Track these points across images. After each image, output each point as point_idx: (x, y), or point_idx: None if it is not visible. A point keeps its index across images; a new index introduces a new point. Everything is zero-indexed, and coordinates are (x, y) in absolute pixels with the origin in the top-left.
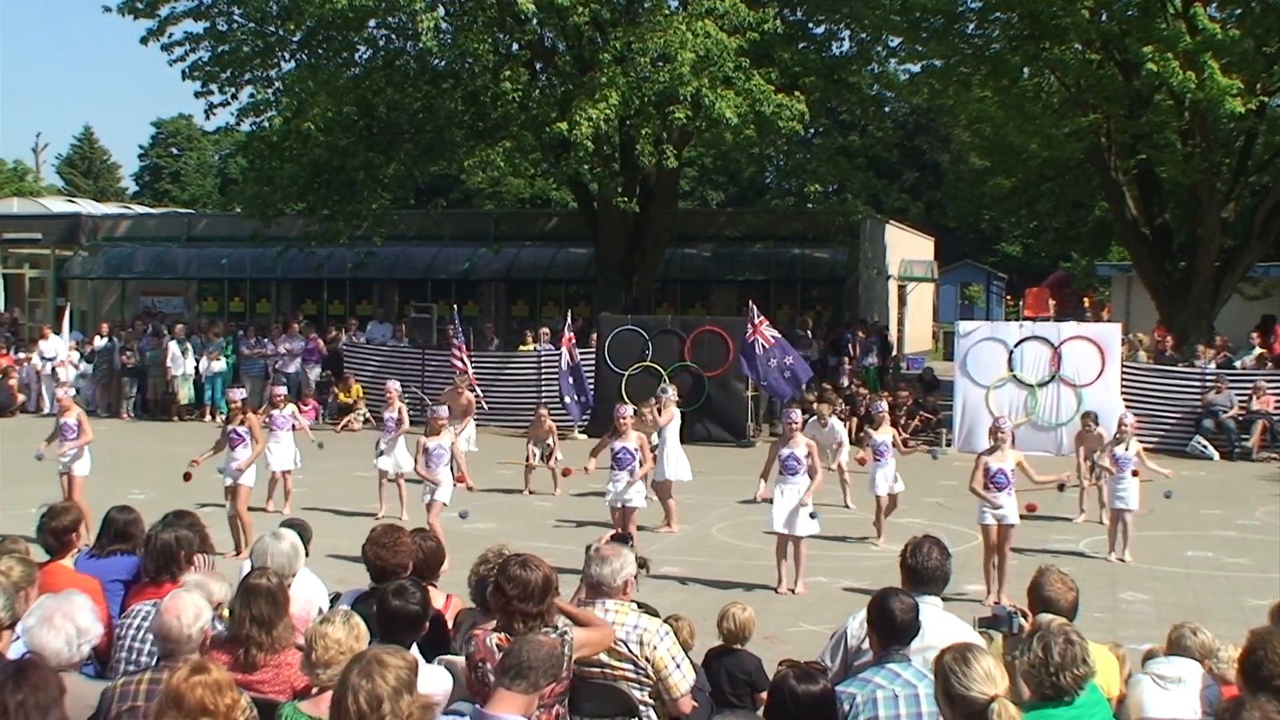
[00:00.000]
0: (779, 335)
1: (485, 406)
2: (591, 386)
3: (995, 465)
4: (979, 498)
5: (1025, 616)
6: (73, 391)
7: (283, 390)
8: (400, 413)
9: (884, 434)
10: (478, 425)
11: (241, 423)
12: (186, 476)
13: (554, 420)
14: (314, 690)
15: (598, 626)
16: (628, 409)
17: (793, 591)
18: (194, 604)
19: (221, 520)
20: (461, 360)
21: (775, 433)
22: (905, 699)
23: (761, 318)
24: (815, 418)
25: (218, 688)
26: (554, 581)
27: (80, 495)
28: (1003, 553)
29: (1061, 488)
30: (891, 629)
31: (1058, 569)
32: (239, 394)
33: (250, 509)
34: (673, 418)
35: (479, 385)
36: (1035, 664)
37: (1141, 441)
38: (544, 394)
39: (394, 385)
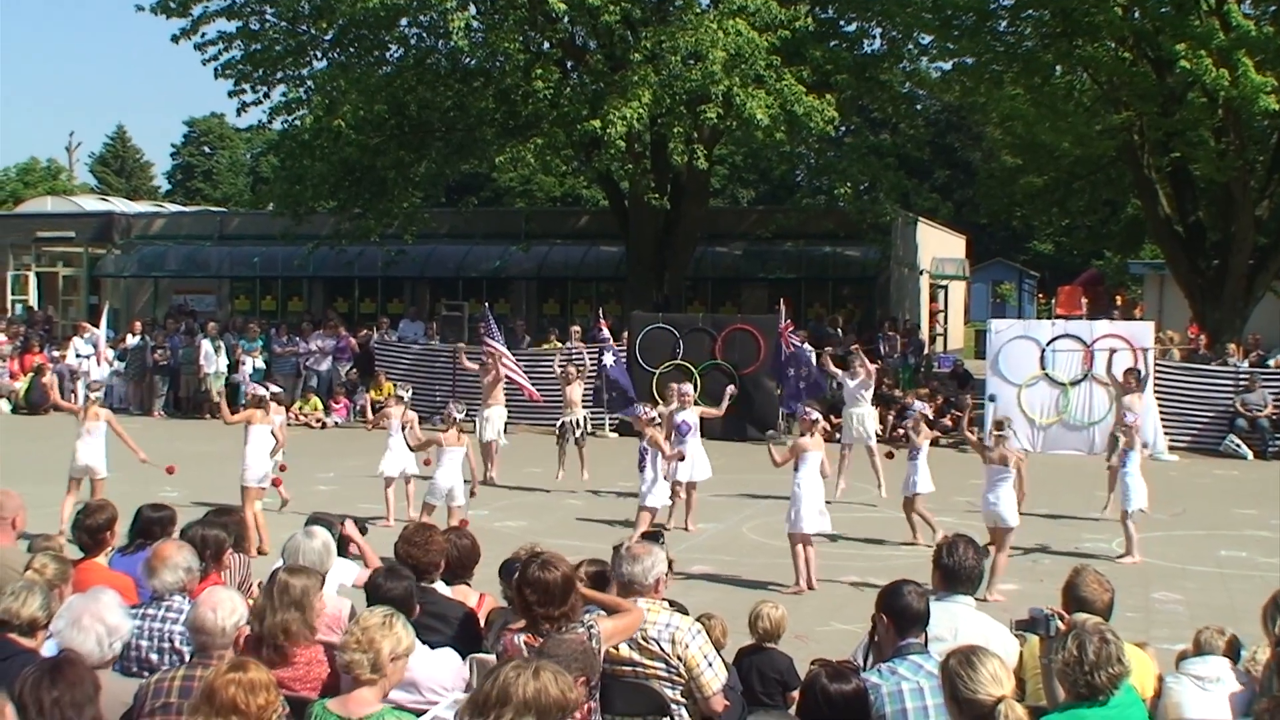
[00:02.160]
0: (800, 345)
1: (539, 398)
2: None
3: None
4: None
5: (1061, 619)
6: (101, 395)
7: (264, 391)
8: (404, 415)
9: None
10: (509, 423)
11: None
12: (170, 469)
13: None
14: (342, 687)
15: (626, 612)
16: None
17: (811, 588)
18: (230, 599)
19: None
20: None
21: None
22: (929, 690)
23: (788, 321)
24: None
25: (251, 687)
26: (575, 579)
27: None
28: (998, 549)
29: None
30: (907, 617)
31: (1093, 569)
32: (257, 389)
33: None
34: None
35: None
36: (1070, 662)
37: (1174, 440)
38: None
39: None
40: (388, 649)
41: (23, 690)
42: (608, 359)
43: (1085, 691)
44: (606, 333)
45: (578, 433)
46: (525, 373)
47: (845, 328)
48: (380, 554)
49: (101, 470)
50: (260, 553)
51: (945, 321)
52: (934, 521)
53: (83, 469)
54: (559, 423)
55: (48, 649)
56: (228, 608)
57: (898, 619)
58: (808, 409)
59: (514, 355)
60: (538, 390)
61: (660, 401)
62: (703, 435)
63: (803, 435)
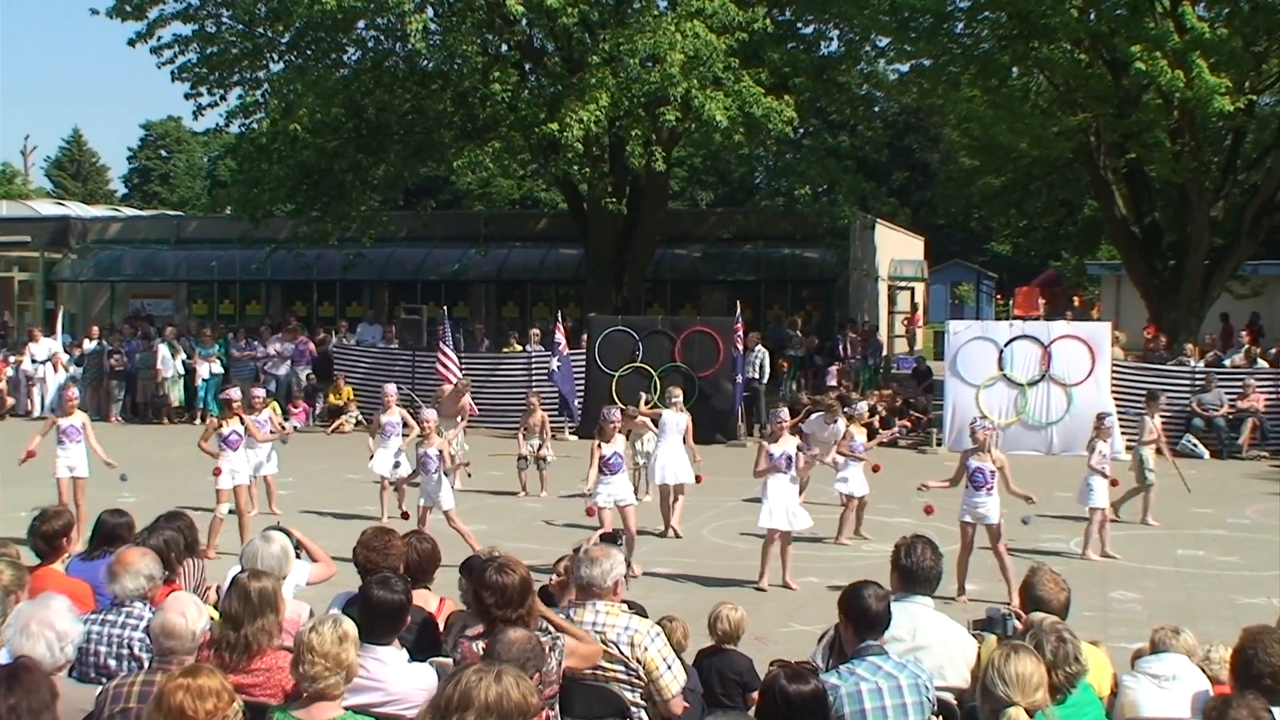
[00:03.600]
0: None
1: (476, 411)
2: (581, 387)
3: (974, 464)
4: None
5: (1019, 618)
6: (77, 394)
7: (261, 392)
8: (404, 417)
9: (859, 435)
10: (468, 428)
11: (239, 423)
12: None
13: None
14: (304, 694)
15: (588, 643)
16: (615, 412)
17: (787, 587)
18: (195, 604)
19: (207, 523)
20: (448, 366)
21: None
22: (888, 690)
23: (740, 323)
24: (822, 414)
25: (200, 693)
26: (531, 583)
27: (84, 499)
28: (997, 552)
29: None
30: (866, 619)
31: (1050, 568)
32: (236, 394)
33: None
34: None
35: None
36: None
37: (1130, 440)
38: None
39: (391, 389)
40: (351, 654)
41: None
42: (554, 364)
43: None
44: (560, 336)
45: (542, 465)
46: (485, 376)
47: (804, 329)
48: (341, 557)
49: (84, 471)
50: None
51: (922, 323)
52: (861, 524)
53: (66, 470)
54: (517, 455)
55: (2, 657)
56: (194, 613)
57: (857, 621)
58: (778, 411)
59: (475, 358)
60: (501, 392)
61: (618, 404)
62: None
63: (773, 438)
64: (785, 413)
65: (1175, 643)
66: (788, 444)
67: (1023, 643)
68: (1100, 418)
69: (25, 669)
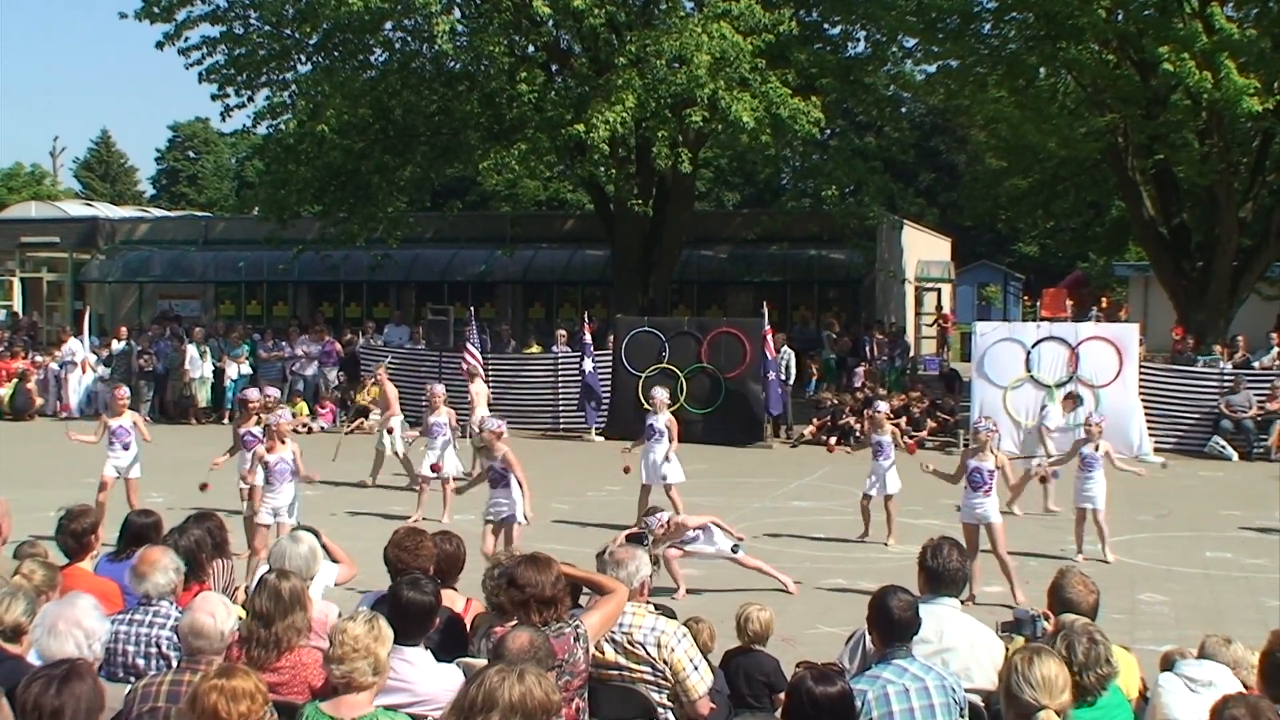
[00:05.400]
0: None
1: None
2: (607, 389)
3: (973, 464)
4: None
5: (1048, 619)
6: (127, 393)
7: (254, 392)
8: (451, 417)
9: (884, 433)
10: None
11: (258, 423)
12: (203, 487)
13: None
14: (333, 690)
15: (611, 592)
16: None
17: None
18: (224, 604)
19: (236, 524)
20: (472, 360)
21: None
22: (915, 691)
23: (769, 326)
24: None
25: (234, 694)
26: (564, 577)
27: (136, 499)
28: (998, 554)
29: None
30: (891, 627)
31: (1079, 570)
32: (255, 394)
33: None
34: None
35: (494, 389)
36: None
37: (1159, 442)
38: (561, 397)
39: (439, 389)
40: (384, 652)
41: (26, 696)
42: (587, 365)
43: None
44: (589, 337)
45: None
46: (511, 377)
47: (839, 330)
48: (369, 558)
49: (136, 472)
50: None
51: (954, 325)
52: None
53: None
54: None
55: (30, 657)
56: (223, 613)
57: (884, 629)
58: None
59: (501, 359)
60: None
61: (647, 405)
62: (683, 439)
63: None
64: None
65: (1224, 652)
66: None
67: (1044, 644)
68: (1088, 420)
69: (77, 672)
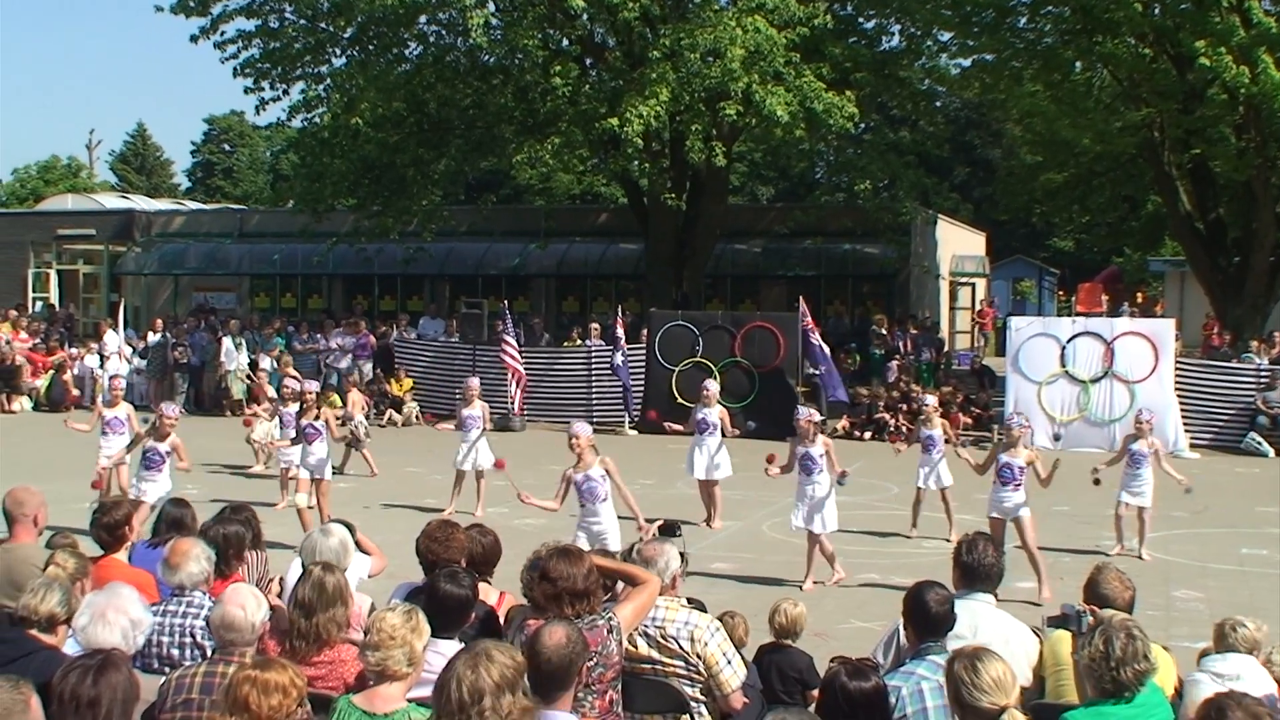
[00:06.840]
0: (822, 345)
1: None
2: (639, 383)
3: (1004, 459)
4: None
5: (1093, 615)
6: (124, 385)
7: (295, 385)
8: (485, 411)
9: (934, 427)
10: (529, 420)
11: (316, 417)
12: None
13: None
14: (369, 683)
15: (644, 582)
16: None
17: (820, 584)
18: (255, 596)
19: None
20: (513, 358)
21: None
22: None
23: (807, 318)
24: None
25: (266, 687)
26: (595, 570)
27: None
28: (1029, 548)
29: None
30: (927, 622)
31: (1115, 567)
32: (313, 386)
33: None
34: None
35: (528, 382)
36: (1095, 658)
37: (1195, 438)
38: (594, 390)
39: (474, 382)
40: (420, 644)
41: (63, 686)
42: (618, 358)
43: (1110, 688)
44: (620, 331)
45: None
46: (544, 370)
47: (889, 326)
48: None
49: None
50: None
51: (992, 321)
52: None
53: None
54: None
55: (68, 646)
56: (254, 605)
57: (919, 624)
58: (811, 411)
59: (535, 351)
60: (560, 387)
61: (680, 399)
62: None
63: (801, 439)
64: (811, 412)
65: (1238, 635)
66: (814, 445)
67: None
68: (1138, 416)
69: (113, 662)
